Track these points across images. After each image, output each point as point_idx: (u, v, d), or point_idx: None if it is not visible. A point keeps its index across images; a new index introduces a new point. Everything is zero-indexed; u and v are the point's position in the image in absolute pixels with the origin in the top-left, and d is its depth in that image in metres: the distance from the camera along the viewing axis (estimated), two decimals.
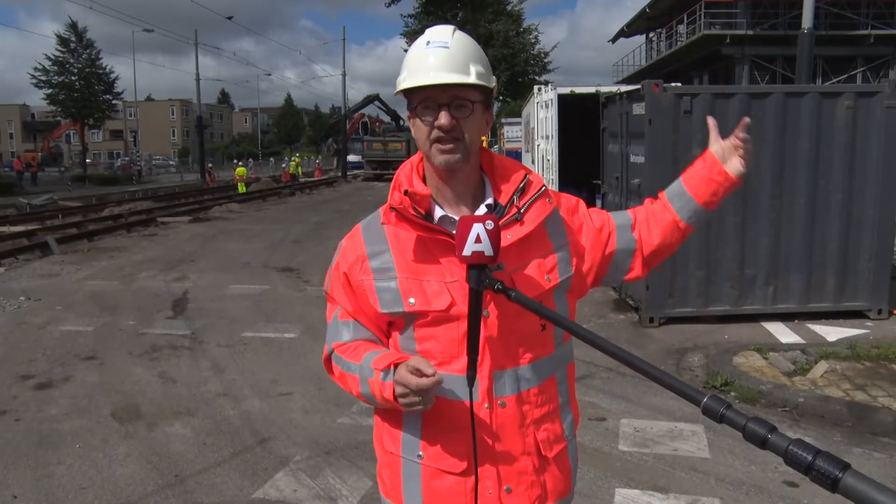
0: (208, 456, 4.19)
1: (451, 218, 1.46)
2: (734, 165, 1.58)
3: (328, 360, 1.57)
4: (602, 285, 1.73)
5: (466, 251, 1.29)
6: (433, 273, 1.44)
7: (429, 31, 1.45)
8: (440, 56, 1.39)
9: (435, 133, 1.40)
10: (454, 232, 1.41)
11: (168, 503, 3.65)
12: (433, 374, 1.30)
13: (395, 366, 1.38)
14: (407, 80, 1.41)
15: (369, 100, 44.53)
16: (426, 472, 1.49)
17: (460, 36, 1.44)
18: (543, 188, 1.51)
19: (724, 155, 1.59)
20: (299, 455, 4.17)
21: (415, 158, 1.55)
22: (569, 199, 1.63)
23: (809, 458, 0.90)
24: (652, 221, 1.64)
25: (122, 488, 3.79)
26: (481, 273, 1.30)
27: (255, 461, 4.11)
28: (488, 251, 1.28)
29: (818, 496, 3.54)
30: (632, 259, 1.63)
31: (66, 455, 4.21)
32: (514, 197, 1.48)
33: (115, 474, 3.96)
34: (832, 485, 0.87)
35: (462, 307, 1.40)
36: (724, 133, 1.63)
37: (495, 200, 1.50)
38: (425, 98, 1.41)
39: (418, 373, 1.31)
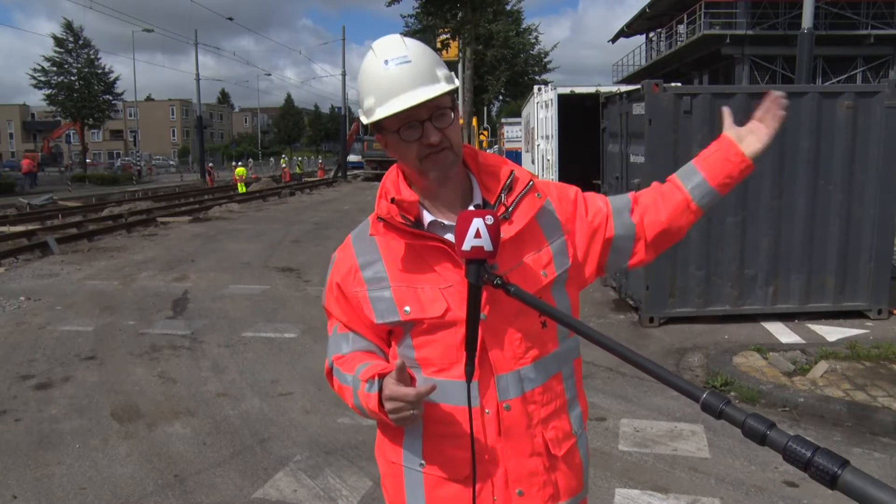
0: (208, 456, 4.19)
1: (441, 223, 1.45)
2: (750, 145, 1.54)
3: (330, 373, 1.56)
4: (608, 272, 1.67)
5: (466, 246, 1.27)
6: (427, 280, 1.42)
7: (380, 49, 1.38)
8: (407, 72, 1.34)
9: (424, 150, 1.38)
10: (445, 237, 1.39)
11: (168, 503, 3.65)
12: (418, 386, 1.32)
13: (380, 376, 1.37)
14: (384, 107, 1.36)
15: None
16: (429, 481, 1.47)
17: (413, 44, 1.39)
18: (531, 183, 1.48)
19: (741, 136, 1.55)
20: (299, 455, 4.17)
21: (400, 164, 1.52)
22: (562, 189, 1.59)
23: (808, 454, 0.90)
24: (660, 201, 1.57)
25: (122, 488, 3.80)
26: (480, 268, 1.29)
27: (255, 461, 4.11)
28: (488, 246, 1.27)
29: (818, 496, 3.54)
30: (633, 243, 1.58)
31: (65, 455, 4.21)
32: (502, 195, 1.45)
33: (115, 474, 3.96)
34: (831, 481, 0.87)
35: (458, 312, 1.38)
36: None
37: (485, 200, 1.47)
38: (406, 118, 1.36)
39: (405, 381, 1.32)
